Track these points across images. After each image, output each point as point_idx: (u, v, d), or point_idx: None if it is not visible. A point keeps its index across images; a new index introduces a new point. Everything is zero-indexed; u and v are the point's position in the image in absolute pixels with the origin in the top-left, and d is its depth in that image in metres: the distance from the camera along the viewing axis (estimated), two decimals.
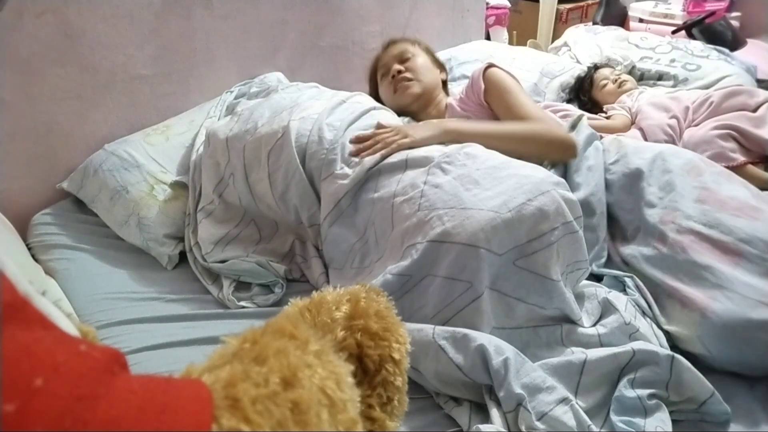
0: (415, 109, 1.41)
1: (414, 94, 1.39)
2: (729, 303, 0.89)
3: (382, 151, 1.10)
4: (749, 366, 0.88)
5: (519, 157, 1.08)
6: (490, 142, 1.14)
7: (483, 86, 1.32)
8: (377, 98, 1.49)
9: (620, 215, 1.14)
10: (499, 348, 0.82)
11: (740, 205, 1.01)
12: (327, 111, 1.19)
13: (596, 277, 1.09)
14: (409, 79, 1.40)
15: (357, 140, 1.15)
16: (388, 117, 1.26)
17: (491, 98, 1.31)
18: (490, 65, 1.35)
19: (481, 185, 0.95)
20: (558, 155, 1.18)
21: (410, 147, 1.11)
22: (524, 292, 0.91)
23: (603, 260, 1.11)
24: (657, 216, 1.06)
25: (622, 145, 1.23)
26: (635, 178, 1.13)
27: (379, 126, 1.19)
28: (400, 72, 1.40)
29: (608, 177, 1.18)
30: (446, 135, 1.16)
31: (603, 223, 1.13)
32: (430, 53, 1.53)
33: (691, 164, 1.12)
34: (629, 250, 1.08)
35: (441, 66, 1.55)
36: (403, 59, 1.44)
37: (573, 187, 1.12)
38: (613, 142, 1.26)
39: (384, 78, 1.46)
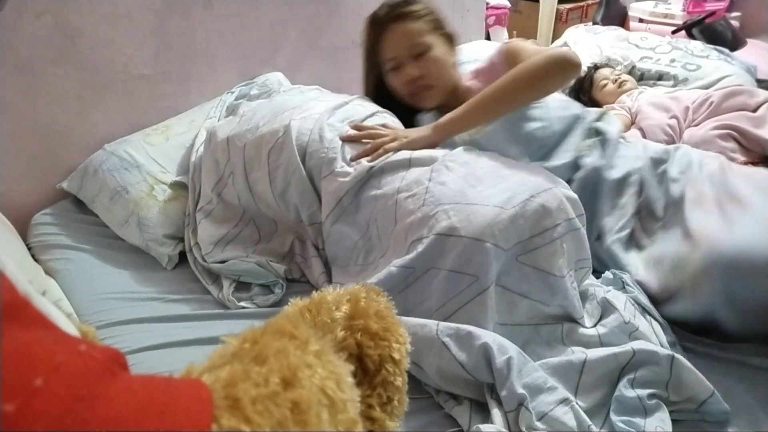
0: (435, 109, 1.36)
1: (436, 101, 1.33)
2: (737, 235, 0.91)
3: (371, 157, 1.11)
4: (753, 307, 0.90)
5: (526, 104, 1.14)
6: (482, 111, 1.14)
7: (506, 68, 1.25)
8: (377, 76, 1.37)
9: (650, 194, 1.17)
10: (502, 347, 0.82)
11: (753, 172, 1.11)
12: (328, 111, 1.19)
13: (595, 273, 1.09)
14: (429, 87, 1.30)
15: (355, 128, 1.17)
16: (388, 122, 1.26)
17: (510, 64, 1.23)
18: (511, 42, 1.30)
19: (485, 183, 0.96)
20: (558, 77, 1.13)
21: (398, 150, 1.12)
22: (527, 287, 0.91)
23: (625, 233, 1.13)
24: (679, 189, 1.11)
25: (643, 140, 1.32)
26: (659, 162, 1.19)
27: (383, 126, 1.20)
28: (418, 78, 1.28)
29: (638, 164, 1.22)
30: (435, 130, 1.16)
31: (632, 203, 1.16)
32: (439, 28, 1.33)
33: (707, 154, 1.21)
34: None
35: (450, 43, 1.37)
36: (416, 54, 1.28)
37: (609, 167, 1.17)
38: (633, 137, 1.35)
39: (396, 72, 1.32)
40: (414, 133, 1.18)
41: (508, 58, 1.26)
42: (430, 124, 1.20)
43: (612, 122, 1.27)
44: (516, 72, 1.13)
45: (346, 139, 1.14)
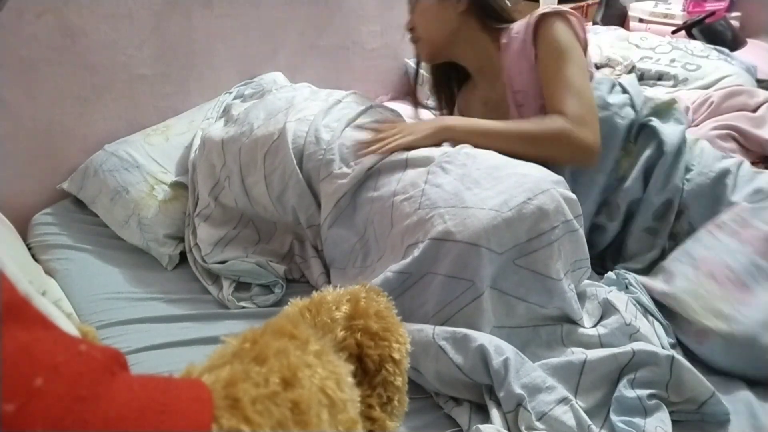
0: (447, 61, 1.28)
1: (425, 55, 1.27)
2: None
3: (381, 150, 1.09)
4: None
5: (527, 159, 1.02)
6: (489, 142, 1.10)
7: (534, 50, 1.12)
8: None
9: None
10: (499, 348, 0.82)
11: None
12: (323, 112, 1.18)
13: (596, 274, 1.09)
14: (417, 39, 1.25)
15: (359, 126, 1.16)
16: (386, 115, 1.26)
17: (540, 67, 1.11)
18: (545, 15, 1.12)
19: (482, 185, 0.95)
20: (572, 159, 1.08)
21: (409, 147, 1.09)
22: (524, 290, 0.91)
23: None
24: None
25: None
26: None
27: (384, 121, 1.19)
28: (410, 29, 1.25)
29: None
30: (442, 132, 1.13)
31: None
32: None
33: None
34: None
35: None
36: (412, 4, 1.26)
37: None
38: None
39: None
40: (420, 129, 1.13)
41: (542, 47, 1.12)
42: (438, 119, 1.18)
43: (681, 118, 1.16)
44: (541, 132, 1.07)
45: (361, 153, 1.10)
